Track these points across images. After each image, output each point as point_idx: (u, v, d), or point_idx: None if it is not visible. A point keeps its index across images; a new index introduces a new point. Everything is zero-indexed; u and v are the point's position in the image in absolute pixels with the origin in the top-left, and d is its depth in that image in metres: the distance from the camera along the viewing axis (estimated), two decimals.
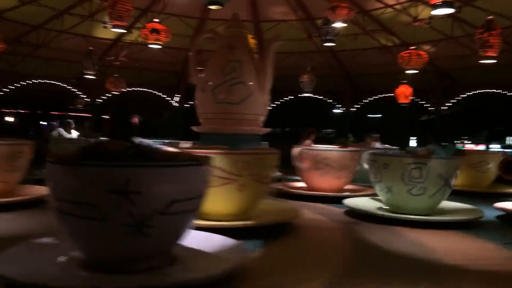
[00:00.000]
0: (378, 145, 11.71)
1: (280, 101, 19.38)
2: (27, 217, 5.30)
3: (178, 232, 3.29)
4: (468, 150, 12.30)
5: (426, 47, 14.34)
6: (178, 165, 3.15)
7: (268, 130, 8.73)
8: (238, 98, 8.07)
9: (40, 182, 6.54)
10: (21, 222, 5.07)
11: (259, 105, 8.37)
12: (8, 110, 30.57)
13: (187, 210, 3.18)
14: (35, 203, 6.02)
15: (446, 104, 17.31)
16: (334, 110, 23.33)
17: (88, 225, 3.08)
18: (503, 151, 11.71)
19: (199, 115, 7.67)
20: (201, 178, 3.25)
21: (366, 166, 5.80)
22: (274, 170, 5.21)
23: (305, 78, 15.57)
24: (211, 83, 7.69)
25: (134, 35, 15.46)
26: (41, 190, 6.51)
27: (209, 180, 3.35)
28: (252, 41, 10.61)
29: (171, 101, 19.57)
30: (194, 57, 8.35)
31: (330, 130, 28.47)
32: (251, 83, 8.11)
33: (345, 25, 9.62)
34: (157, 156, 3.11)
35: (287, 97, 19.35)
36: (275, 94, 9.09)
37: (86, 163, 3.01)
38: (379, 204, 5.62)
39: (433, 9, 8.59)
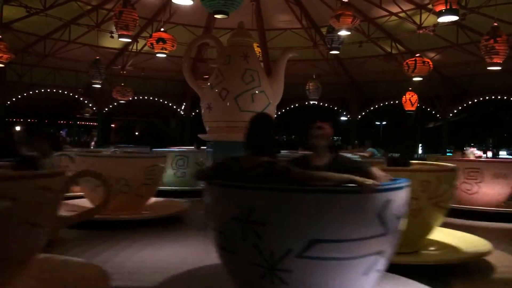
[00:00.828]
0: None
1: (286, 109, 19.38)
2: (172, 236, 5.24)
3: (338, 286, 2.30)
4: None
5: (431, 54, 14.34)
6: (323, 191, 2.25)
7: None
8: (260, 107, 8.18)
9: None
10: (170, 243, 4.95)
11: (272, 113, 8.48)
12: (16, 120, 30.79)
13: (346, 256, 2.22)
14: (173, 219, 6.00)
15: (453, 111, 17.24)
16: (341, 118, 23.33)
17: (222, 254, 2.60)
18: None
19: (215, 123, 7.63)
20: (368, 210, 2.23)
21: None
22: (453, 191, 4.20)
23: (311, 85, 15.58)
24: (231, 91, 7.74)
25: (140, 44, 15.57)
26: (175, 205, 6.57)
27: (392, 215, 2.29)
28: (257, 50, 10.67)
29: (178, 110, 19.64)
30: (187, 63, 8.37)
31: (336, 137, 28.45)
32: (269, 92, 8.23)
33: (349, 33, 9.63)
34: (297, 177, 2.38)
35: (293, 105, 19.37)
36: (281, 101, 9.11)
37: (213, 181, 2.53)
38: None
39: (438, 17, 8.59)
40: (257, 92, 7.91)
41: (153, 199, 6.52)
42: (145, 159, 6.37)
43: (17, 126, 31.72)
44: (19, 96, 16.44)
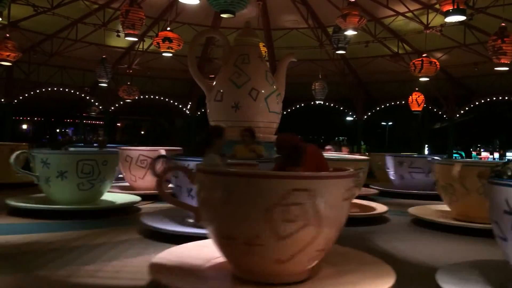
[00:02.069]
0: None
1: (292, 109, 19.34)
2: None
3: None
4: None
5: (438, 54, 14.28)
6: None
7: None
8: (280, 108, 8.35)
9: None
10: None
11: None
12: (22, 118, 30.92)
13: None
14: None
15: (460, 111, 17.16)
16: (346, 118, 23.30)
17: (499, 242, 3.22)
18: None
19: (241, 123, 7.59)
20: None
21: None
22: None
23: (317, 85, 15.55)
24: (261, 91, 7.82)
25: (146, 44, 15.61)
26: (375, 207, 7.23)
27: None
28: (263, 49, 10.67)
29: (184, 109, 19.66)
30: (192, 57, 8.31)
31: (342, 137, 28.42)
32: (281, 94, 8.33)
33: (356, 33, 9.61)
34: None
35: (299, 105, 19.33)
36: (286, 101, 9.14)
37: (491, 180, 3.21)
38: None
39: (445, 17, 8.56)
40: (277, 93, 8.06)
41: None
42: (353, 162, 7.17)
43: (23, 124, 31.88)
44: (26, 95, 16.52)
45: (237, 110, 7.57)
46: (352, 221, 6.01)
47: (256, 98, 7.68)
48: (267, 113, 7.85)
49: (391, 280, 3.29)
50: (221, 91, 7.93)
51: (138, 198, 7.24)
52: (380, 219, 6.76)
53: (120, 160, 8.34)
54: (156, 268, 3.44)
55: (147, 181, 8.38)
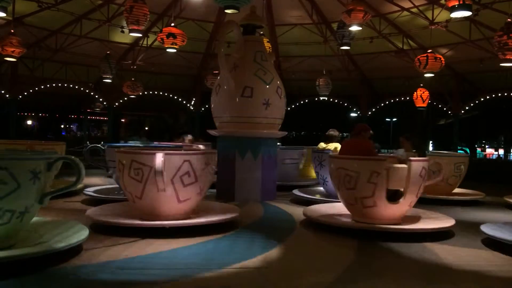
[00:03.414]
0: None
1: (296, 104, 19.31)
2: None
3: None
4: None
5: (443, 50, 14.20)
6: None
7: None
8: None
9: None
10: None
11: None
12: (27, 114, 31.03)
13: None
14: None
15: (465, 108, 17.05)
16: (351, 114, 23.24)
17: None
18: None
19: (271, 120, 7.69)
20: None
21: None
22: None
23: (321, 81, 15.50)
24: (282, 90, 7.99)
25: (150, 39, 15.60)
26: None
27: None
28: (267, 45, 10.64)
29: (188, 105, 19.65)
30: (222, 50, 8.05)
31: (346, 134, 28.39)
32: None
33: (360, 28, 9.56)
34: None
35: (303, 101, 19.30)
36: (291, 97, 9.14)
37: None
38: None
39: (450, 12, 8.51)
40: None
41: None
42: (454, 157, 8.93)
43: (28, 120, 31.98)
44: (31, 91, 16.55)
45: (268, 107, 7.59)
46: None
47: (281, 96, 7.81)
48: (283, 110, 8.06)
49: (451, 223, 5.31)
50: (250, 87, 7.63)
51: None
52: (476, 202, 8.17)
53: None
54: (307, 212, 5.80)
55: (149, 201, 4.91)
